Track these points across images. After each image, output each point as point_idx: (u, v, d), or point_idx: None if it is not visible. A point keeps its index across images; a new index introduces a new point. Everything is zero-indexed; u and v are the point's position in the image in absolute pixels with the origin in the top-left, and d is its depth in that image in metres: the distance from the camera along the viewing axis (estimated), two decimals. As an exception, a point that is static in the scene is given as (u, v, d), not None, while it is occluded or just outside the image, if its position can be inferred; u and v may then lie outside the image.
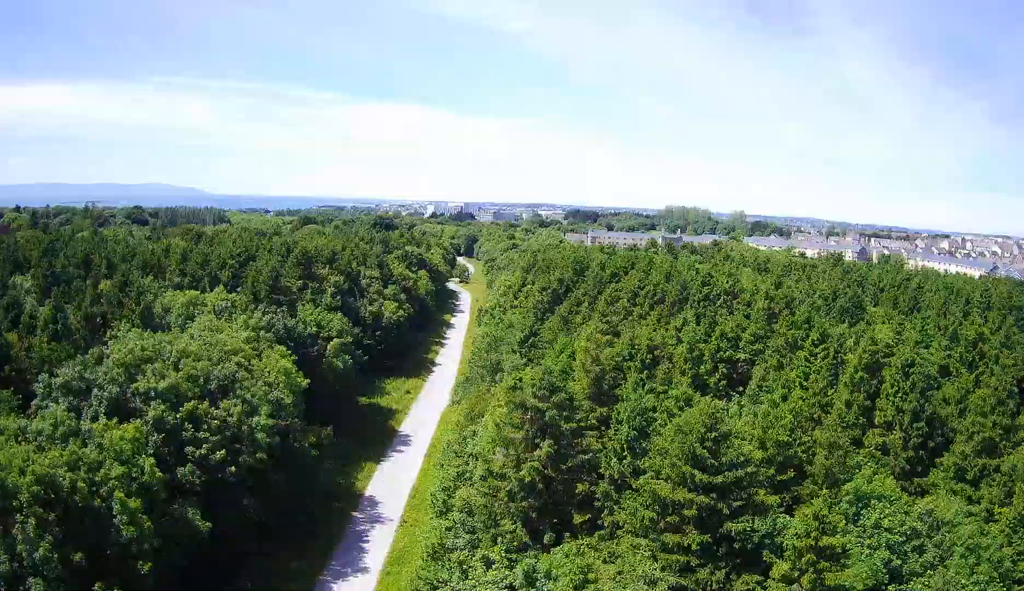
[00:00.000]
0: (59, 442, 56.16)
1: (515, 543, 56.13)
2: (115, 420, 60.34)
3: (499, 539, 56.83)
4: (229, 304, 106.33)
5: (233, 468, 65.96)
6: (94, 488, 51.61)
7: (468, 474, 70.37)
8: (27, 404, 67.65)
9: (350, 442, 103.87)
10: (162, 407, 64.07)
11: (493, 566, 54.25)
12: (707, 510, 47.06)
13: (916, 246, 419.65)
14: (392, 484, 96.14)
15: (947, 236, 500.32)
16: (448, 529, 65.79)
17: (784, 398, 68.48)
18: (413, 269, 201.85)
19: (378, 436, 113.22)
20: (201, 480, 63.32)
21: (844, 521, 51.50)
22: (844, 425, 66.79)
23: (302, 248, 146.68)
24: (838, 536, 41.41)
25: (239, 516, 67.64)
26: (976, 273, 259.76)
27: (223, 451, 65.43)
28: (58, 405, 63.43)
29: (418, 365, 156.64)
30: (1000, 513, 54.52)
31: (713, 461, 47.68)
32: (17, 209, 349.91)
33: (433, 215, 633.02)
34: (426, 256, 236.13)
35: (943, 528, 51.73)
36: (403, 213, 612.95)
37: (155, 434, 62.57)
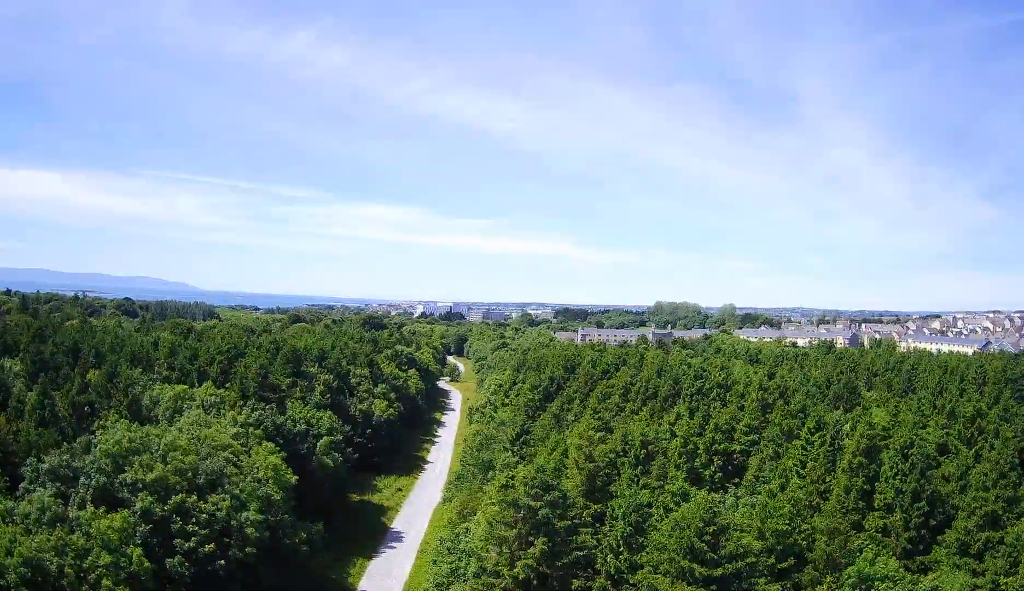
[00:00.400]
0: (46, 527, 55.68)
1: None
2: (103, 509, 59.95)
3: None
4: (218, 399, 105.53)
5: (223, 561, 65.41)
6: (82, 574, 50.66)
7: (461, 571, 68.85)
8: (14, 486, 67.27)
9: (342, 539, 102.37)
10: (150, 499, 63.91)
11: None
12: (708, 603, 45.76)
13: (907, 328, 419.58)
14: (384, 580, 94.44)
15: (938, 316, 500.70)
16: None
17: (782, 488, 67.46)
18: (403, 368, 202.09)
19: (370, 533, 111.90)
20: (190, 572, 62.68)
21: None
22: (844, 510, 65.65)
23: (291, 346, 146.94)
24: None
25: None
26: (969, 350, 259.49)
27: (212, 544, 64.93)
28: (45, 490, 63.23)
29: (409, 463, 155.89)
30: (1005, 583, 53.01)
31: (712, 554, 46.67)
32: (8, 292, 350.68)
33: (422, 315, 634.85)
34: (416, 355, 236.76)
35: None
36: (392, 312, 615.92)
37: (143, 525, 62.18)
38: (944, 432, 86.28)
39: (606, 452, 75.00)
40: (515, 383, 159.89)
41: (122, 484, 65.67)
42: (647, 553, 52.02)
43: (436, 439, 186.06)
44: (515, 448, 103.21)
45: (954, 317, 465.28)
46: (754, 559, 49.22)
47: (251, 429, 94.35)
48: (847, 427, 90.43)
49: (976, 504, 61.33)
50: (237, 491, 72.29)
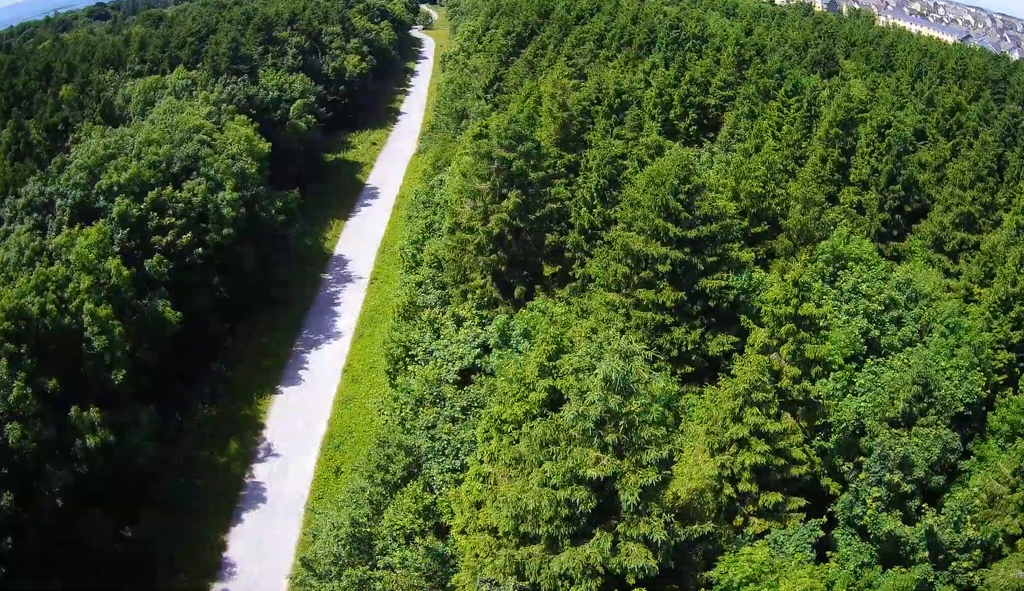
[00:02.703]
0: (26, 267, 54.30)
1: (485, 299, 54.12)
2: (79, 226, 58.20)
3: (469, 295, 54.81)
4: (189, 82, 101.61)
5: (200, 250, 64.78)
6: (63, 306, 48.94)
7: (436, 225, 67.75)
8: None
9: (318, 201, 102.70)
10: (126, 201, 62.02)
11: (464, 324, 52.76)
12: (681, 265, 44.70)
13: (887, 3, 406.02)
14: (361, 240, 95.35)
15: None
16: (418, 285, 63.81)
17: (757, 149, 65.63)
18: (376, 20, 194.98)
19: (346, 192, 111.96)
20: (169, 269, 61.89)
21: (820, 281, 50.06)
22: (819, 180, 64.46)
23: (262, 14, 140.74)
24: (819, 306, 39.40)
25: (209, 299, 66.91)
26: (948, 39, 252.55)
27: (189, 234, 64.15)
28: (23, 225, 61.38)
29: (383, 116, 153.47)
30: (980, 294, 52.65)
31: (687, 214, 44.87)
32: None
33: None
34: (388, 6, 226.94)
35: (921, 301, 50.10)
36: None
37: (120, 230, 60.73)
38: (922, 118, 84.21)
39: (580, 100, 71.75)
40: (488, 29, 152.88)
41: (98, 193, 63.35)
42: (621, 209, 50.34)
43: (409, 89, 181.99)
44: (488, 96, 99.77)
45: (935, 2, 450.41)
46: (728, 222, 47.86)
47: (224, 105, 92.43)
48: (824, 94, 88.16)
49: (953, 200, 60.27)
50: (212, 172, 70.63)
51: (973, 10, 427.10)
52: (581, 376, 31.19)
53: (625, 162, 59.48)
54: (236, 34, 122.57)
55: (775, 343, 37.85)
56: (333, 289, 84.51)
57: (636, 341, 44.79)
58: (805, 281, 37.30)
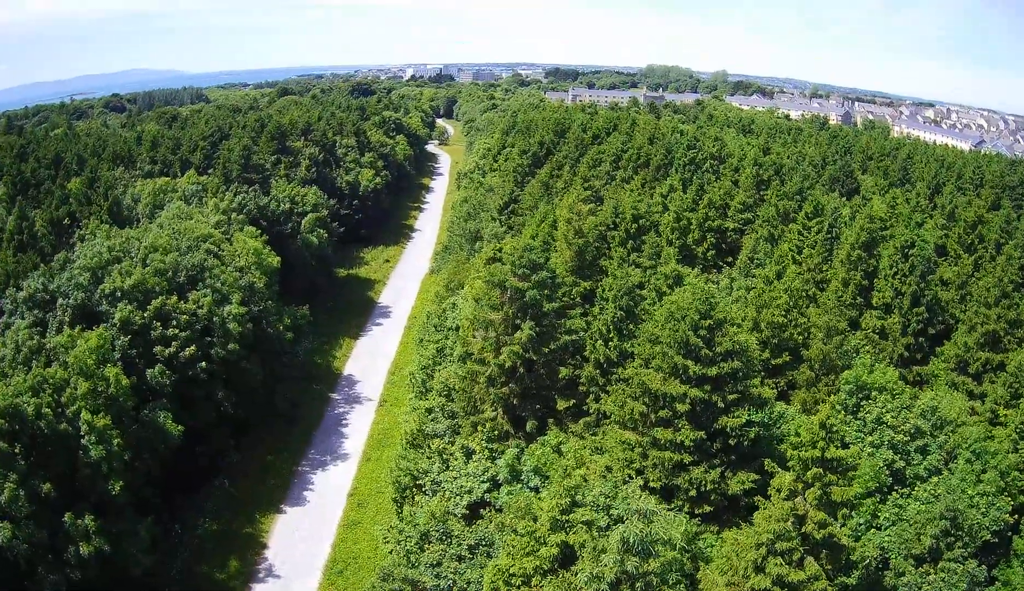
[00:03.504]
0: (22, 366, 53.39)
1: (496, 432, 52.65)
2: (79, 329, 57.01)
3: (479, 427, 53.40)
4: (200, 188, 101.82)
5: (204, 364, 63.34)
6: (60, 410, 48.16)
7: (448, 350, 66.75)
8: None
9: (329, 318, 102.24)
10: (128, 308, 61.10)
11: (474, 457, 51.33)
12: (701, 404, 43.30)
13: (901, 113, 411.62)
14: (371, 361, 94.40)
15: (932, 105, 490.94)
16: (428, 411, 62.65)
17: (779, 276, 64.66)
18: (391, 135, 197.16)
19: (357, 309, 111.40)
20: (172, 380, 60.57)
21: (843, 412, 48.57)
22: (841, 305, 63.22)
23: (276, 122, 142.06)
24: (845, 446, 37.82)
25: (214, 413, 65.52)
26: (963, 145, 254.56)
27: (193, 347, 62.67)
28: (23, 321, 60.47)
29: (396, 232, 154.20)
30: (1006, 416, 50.93)
31: (707, 351, 43.66)
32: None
33: (412, 78, 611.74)
34: (404, 121, 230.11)
35: (946, 427, 48.49)
36: (382, 78, 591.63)
37: (122, 337, 59.73)
38: (943, 233, 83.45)
39: (596, 225, 71.46)
40: (504, 147, 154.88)
41: (101, 296, 62.66)
42: (638, 344, 49.14)
43: (424, 205, 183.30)
44: (503, 217, 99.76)
45: (948, 109, 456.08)
46: (750, 357, 46.54)
47: (233, 214, 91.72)
48: (846, 212, 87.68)
49: (977, 319, 58.81)
50: (218, 284, 69.72)
51: (986, 113, 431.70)
52: (596, 534, 29.67)
53: (643, 292, 58.52)
54: (249, 141, 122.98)
55: (801, 487, 36.24)
56: (341, 409, 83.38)
57: (654, 480, 43.81)
58: (833, 424, 35.67)
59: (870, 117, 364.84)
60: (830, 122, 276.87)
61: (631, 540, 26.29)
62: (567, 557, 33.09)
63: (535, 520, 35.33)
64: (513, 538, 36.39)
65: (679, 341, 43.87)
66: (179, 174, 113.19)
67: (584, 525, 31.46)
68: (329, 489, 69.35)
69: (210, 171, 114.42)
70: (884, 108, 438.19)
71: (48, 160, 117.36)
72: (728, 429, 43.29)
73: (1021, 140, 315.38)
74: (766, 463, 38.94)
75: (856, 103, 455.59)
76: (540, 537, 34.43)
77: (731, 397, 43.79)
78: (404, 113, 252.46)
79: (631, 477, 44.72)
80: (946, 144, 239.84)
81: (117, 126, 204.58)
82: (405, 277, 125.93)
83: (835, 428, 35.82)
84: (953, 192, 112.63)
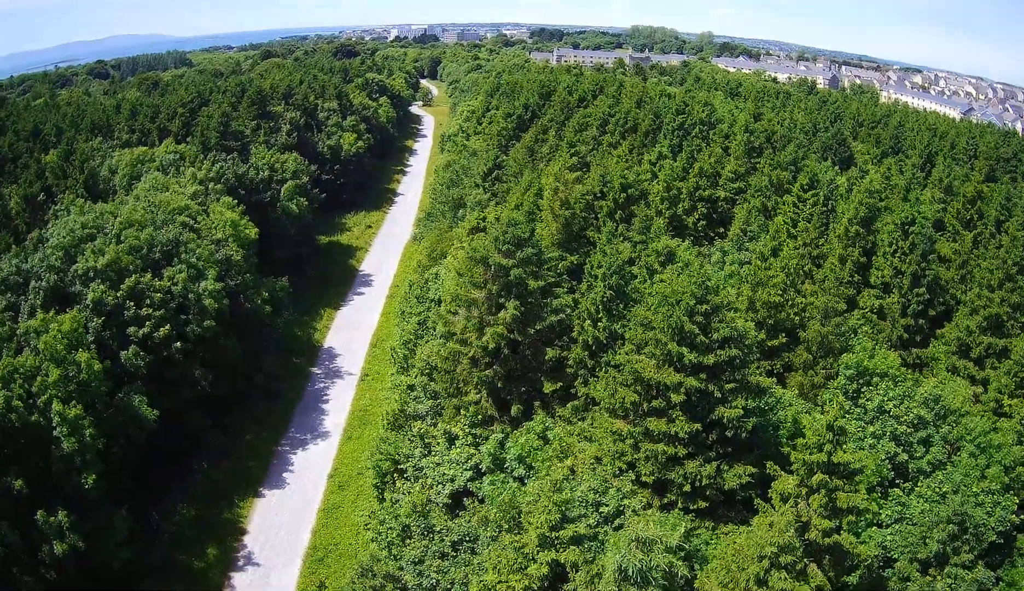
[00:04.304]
0: None
1: (479, 416, 50.02)
2: (52, 312, 54.45)
3: (462, 410, 50.81)
4: (177, 157, 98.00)
5: (179, 344, 60.67)
6: (32, 400, 45.71)
7: (431, 323, 63.99)
8: None
9: (309, 287, 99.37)
10: (101, 288, 58.42)
11: (457, 442, 49.06)
12: (697, 393, 40.64)
13: (888, 78, 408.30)
14: (352, 333, 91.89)
15: (919, 70, 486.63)
16: (409, 389, 60.29)
17: (775, 252, 61.99)
18: (374, 97, 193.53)
19: (338, 278, 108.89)
20: (146, 361, 57.91)
21: (842, 396, 46.38)
22: (838, 282, 60.51)
23: (256, 87, 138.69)
24: (853, 449, 35.45)
25: (191, 393, 62.87)
26: (952, 113, 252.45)
27: (167, 326, 60.02)
28: None
29: (379, 197, 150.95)
30: (1010, 406, 48.72)
31: (703, 338, 40.91)
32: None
33: (397, 39, 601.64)
34: (388, 82, 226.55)
35: (950, 417, 46.26)
36: (367, 39, 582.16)
37: (95, 319, 57.11)
38: (941, 207, 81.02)
39: (583, 195, 68.37)
40: (488, 109, 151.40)
41: (74, 277, 60.04)
42: (630, 327, 46.30)
43: (407, 169, 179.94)
44: (487, 184, 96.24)
45: (936, 75, 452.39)
46: (748, 344, 43.77)
47: (211, 184, 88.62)
48: (842, 183, 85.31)
49: (980, 302, 56.20)
50: (194, 259, 66.75)
51: (974, 80, 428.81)
52: (588, 554, 27.06)
53: (633, 269, 55.75)
54: (228, 107, 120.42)
55: (805, 492, 33.79)
56: (322, 384, 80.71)
57: (646, 474, 41.26)
58: (841, 426, 33.10)
59: (858, 81, 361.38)
60: (818, 86, 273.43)
61: (630, 571, 23.69)
62: (557, 575, 30.52)
63: (520, 526, 32.66)
64: (499, 553, 33.73)
65: (673, 327, 41.12)
66: (157, 143, 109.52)
67: (575, 545, 28.79)
68: (309, 470, 66.94)
69: (188, 139, 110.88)
70: (871, 72, 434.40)
71: (27, 132, 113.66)
72: (725, 420, 40.70)
73: (1010, 109, 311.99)
74: (768, 466, 36.44)
75: (843, 67, 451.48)
76: (529, 553, 31.79)
77: (728, 386, 41.14)
78: (388, 74, 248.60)
79: (622, 471, 42.42)
80: (936, 111, 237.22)
81: (100, 94, 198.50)
82: (388, 243, 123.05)
83: (844, 430, 33.33)
84: (948, 163, 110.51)
